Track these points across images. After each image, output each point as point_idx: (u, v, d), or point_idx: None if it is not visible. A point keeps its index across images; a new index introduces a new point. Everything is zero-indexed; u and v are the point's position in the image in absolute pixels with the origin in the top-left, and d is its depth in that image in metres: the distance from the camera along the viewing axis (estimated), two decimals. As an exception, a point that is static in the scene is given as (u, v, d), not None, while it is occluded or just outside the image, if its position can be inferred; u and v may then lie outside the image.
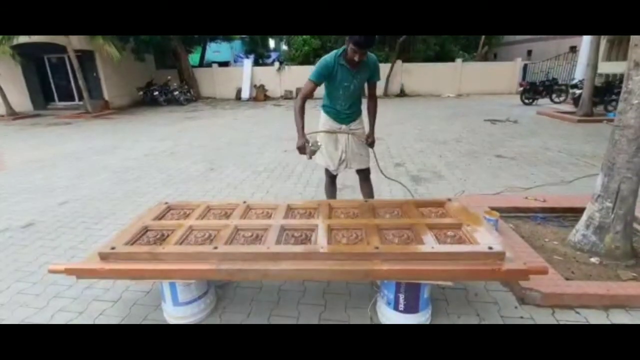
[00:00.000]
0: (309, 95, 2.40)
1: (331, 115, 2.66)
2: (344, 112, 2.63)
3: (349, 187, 4.07)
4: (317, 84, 2.39)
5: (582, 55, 11.43)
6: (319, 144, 2.41)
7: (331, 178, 2.92)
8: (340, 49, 2.37)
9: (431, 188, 3.96)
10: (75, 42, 11.23)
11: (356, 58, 2.27)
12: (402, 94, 15.82)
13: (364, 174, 2.83)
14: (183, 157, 5.85)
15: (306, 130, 2.39)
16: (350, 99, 2.57)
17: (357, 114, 2.73)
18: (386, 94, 15.73)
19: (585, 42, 11.11)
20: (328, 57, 2.39)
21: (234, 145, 6.66)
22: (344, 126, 2.68)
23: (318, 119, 2.77)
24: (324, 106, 2.72)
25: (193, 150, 6.30)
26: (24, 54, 11.16)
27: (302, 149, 2.33)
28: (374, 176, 2.91)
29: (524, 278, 1.62)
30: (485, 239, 1.73)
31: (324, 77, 2.39)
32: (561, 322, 1.89)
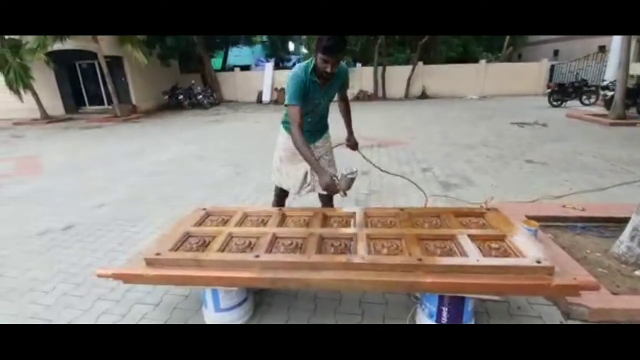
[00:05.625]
0: (302, 120, 2.06)
1: None
2: (310, 130, 2.28)
3: (375, 192, 4.05)
4: (302, 105, 2.05)
5: (613, 56, 11.04)
6: (355, 169, 1.99)
7: (280, 199, 2.60)
8: (310, 63, 2.07)
9: (461, 194, 3.89)
10: (105, 49, 11.66)
11: (328, 69, 1.94)
12: (423, 96, 15.64)
13: (328, 198, 2.49)
14: (210, 160, 5.97)
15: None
16: (317, 116, 2.30)
17: (324, 129, 2.47)
18: (407, 96, 15.61)
19: (615, 42, 10.72)
20: (299, 72, 2.05)
21: (258, 149, 6.73)
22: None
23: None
24: (285, 122, 2.34)
25: (219, 154, 6.41)
26: (57, 60, 11.66)
27: (332, 186, 1.96)
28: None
29: (574, 294, 1.57)
30: (531, 251, 1.68)
31: (304, 95, 2.05)
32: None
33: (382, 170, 2.80)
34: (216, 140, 7.80)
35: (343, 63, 2.20)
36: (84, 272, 2.62)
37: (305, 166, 2.34)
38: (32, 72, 11.20)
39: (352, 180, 1.98)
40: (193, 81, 15.07)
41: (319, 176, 1.99)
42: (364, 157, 2.56)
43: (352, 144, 2.53)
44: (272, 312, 2.10)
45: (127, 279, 1.82)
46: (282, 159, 2.44)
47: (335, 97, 2.40)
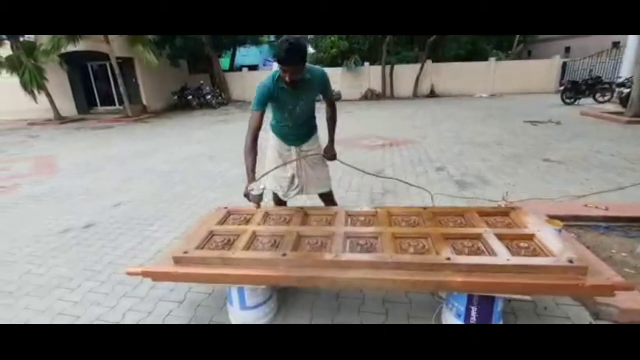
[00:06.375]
0: (259, 126, 2.12)
1: (279, 135, 2.43)
2: (292, 133, 2.39)
3: (390, 192, 4.04)
4: (262, 111, 2.13)
5: (629, 52, 10.84)
6: (262, 187, 2.05)
7: (280, 203, 2.59)
8: (279, 70, 2.07)
9: (478, 194, 3.85)
10: (116, 50, 11.80)
11: (287, 78, 1.98)
12: (432, 94, 15.55)
13: (326, 198, 2.59)
14: (221, 160, 6.00)
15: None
16: (298, 120, 2.32)
17: (309, 133, 2.47)
18: (416, 95, 15.52)
19: (631, 38, 10.52)
20: (266, 81, 2.14)
21: (266, 149, 6.74)
22: (294, 148, 2.43)
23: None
24: (271, 125, 2.47)
25: (229, 154, 6.42)
26: (70, 61, 11.86)
27: (249, 196, 2.00)
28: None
29: (608, 295, 1.55)
30: (562, 251, 1.66)
31: (266, 102, 2.14)
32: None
33: (374, 175, 2.76)
34: (225, 140, 7.85)
35: (319, 68, 2.25)
36: (107, 270, 2.65)
37: (293, 167, 2.42)
38: (46, 74, 11.40)
39: (259, 196, 2.01)
40: (202, 82, 15.21)
41: (247, 183, 2.04)
42: (346, 164, 2.52)
43: (330, 156, 2.47)
44: (296, 310, 2.10)
45: (156, 277, 1.84)
46: (271, 158, 2.48)
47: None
